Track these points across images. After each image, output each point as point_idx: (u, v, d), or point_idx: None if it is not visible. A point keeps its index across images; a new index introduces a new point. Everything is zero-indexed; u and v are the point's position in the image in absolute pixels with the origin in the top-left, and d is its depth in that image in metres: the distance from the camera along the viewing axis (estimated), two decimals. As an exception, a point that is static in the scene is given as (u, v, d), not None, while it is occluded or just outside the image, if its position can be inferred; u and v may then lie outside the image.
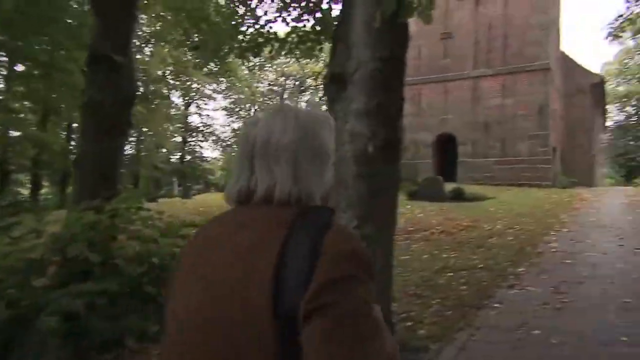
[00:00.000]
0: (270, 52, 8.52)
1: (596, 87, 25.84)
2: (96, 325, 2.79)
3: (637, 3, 6.46)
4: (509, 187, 15.72)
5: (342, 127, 2.91)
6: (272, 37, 8.01)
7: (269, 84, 45.37)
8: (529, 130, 17.63)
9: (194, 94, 34.17)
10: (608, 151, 38.50)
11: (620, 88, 41.15)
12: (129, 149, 23.32)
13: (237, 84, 35.21)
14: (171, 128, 31.90)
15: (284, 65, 42.95)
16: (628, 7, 6.56)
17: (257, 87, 42.84)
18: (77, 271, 3.11)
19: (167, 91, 30.04)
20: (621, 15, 6.61)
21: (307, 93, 47.12)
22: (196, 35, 10.13)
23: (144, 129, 26.14)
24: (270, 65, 41.74)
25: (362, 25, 2.95)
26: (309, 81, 45.26)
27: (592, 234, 7.61)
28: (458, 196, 12.81)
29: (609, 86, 36.54)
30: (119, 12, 4.68)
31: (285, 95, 45.43)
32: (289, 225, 0.67)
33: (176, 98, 33.79)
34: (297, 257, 0.63)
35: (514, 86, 18.06)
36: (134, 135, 24.63)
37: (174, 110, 32.82)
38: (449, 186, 13.64)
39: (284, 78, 44.96)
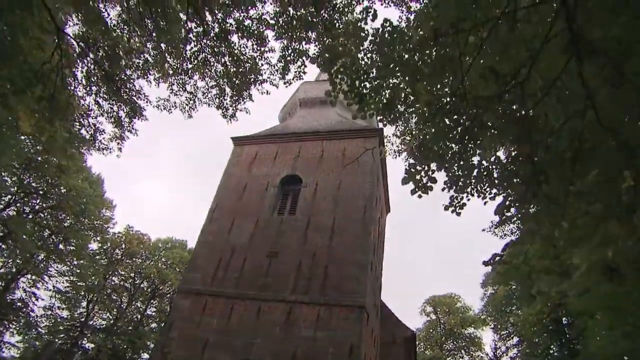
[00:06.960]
0: None
1: (408, 340, 26.81)
2: None
3: None
4: None
5: None
6: None
7: (122, 280, 38.84)
8: (338, 375, 14.71)
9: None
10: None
11: (427, 352, 48.16)
12: None
13: (87, 269, 30.78)
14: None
15: (143, 266, 38.52)
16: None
17: (109, 279, 37.09)
18: None
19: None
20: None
21: (156, 300, 40.73)
22: None
23: None
24: (130, 260, 38.06)
25: None
26: (165, 288, 40.34)
27: None
28: None
29: (419, 349, 41.69)
30: None
31: (138, 295, 39.10)
32: None
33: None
34: None
35: (329, 319, 16.13)
36: None
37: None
38: None
39: (140, 278, 39.12)
